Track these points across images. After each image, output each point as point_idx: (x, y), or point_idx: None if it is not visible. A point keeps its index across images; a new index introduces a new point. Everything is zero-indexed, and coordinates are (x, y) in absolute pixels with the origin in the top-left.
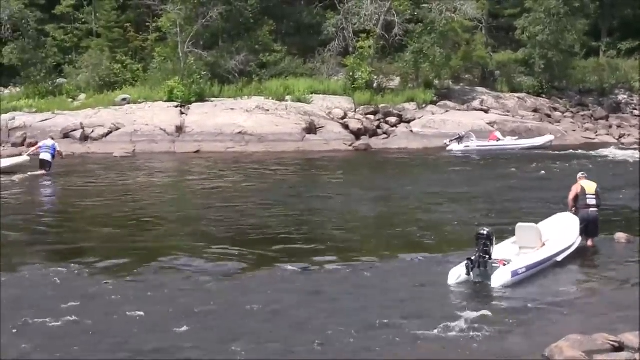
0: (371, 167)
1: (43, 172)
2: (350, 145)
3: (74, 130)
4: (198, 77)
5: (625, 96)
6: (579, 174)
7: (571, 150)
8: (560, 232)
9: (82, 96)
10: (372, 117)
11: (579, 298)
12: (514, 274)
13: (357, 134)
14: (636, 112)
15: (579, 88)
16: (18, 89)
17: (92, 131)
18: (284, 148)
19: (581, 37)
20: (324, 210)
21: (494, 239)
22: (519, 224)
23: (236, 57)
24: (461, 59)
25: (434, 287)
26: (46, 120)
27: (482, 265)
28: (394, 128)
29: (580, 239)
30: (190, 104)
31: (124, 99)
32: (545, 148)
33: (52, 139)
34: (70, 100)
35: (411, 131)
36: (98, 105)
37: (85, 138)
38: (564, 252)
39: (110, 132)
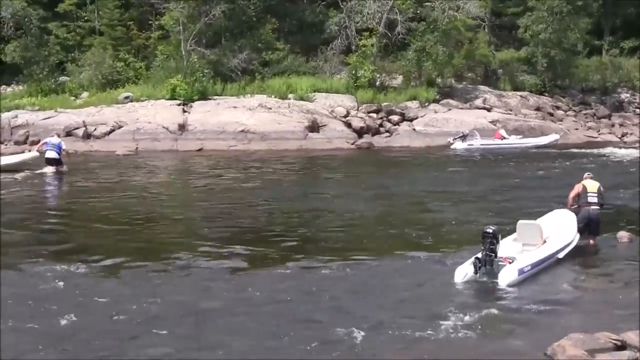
0: (373, 166)
1: (55, 168)
2: (352, 144)
3: (77, 128)
4: (201, 75)
5: (628, 95)
6: (585, 174)
7: (574, 149)
8: (559, 229)
9: (85, 94)
10: (374, 115)
11: (581, 297)
12: (520, 272)
13: (360, 132)
14: (638, 111)
15: (581, 86)
16: (21, 87)
17: (95, 129)
18: (286, 146)
19: (584, 36)
20: (325, 209)
21: (500, 237)
22: (520, 221)
23: (239, 55)
24: (464, 58)
25: (436, 286)
26: (49, 118)
27: (488, 264)
28: (397, 126)
29: (578, 235)
30: (193, 102)
31: (126, 97)
32: (549, 147)
33: (59, 136)
34: (72, 98)
35: (414, 129)
36: (101, 103)
37: (87, 136)
38: (564, 248)
39: (113, 130)
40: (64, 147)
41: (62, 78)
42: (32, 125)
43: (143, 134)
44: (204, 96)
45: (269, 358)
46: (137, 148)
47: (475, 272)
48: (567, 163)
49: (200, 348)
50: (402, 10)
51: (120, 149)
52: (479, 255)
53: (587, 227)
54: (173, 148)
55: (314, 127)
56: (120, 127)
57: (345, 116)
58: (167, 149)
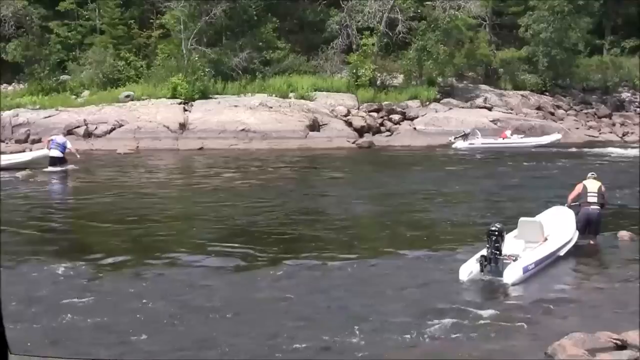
0: (374, 165)
1: (58, 167)
2: (353, 143)
3: (78, 127)
4: (201, 74)
5: (629, 94)
6: (589, 174)
7: (574, 149)
8: (558, 226)
9: (86, 93)
10: (375, 114)
11: (582, 296)
12: (525, 270)
13: (361, 132)
14: (639, 110)
15: (582, 86)
16: (22, 86)
17: (96, 128)
18: (287, 145)
19: (585, 35)
20: (325, 208)
21: (505, 235)
22: (522, 219)
23: (240, 54)
24: (465, 57)
25: (435, 285)
26: (50, 116)
27: (493, 262)
28: (397, 125)
29: (577, 233)
30: (194, 101)
31: (127, 96)
32: (551, 146)
33: (64, 135)
34: (73, 97)
35: (414, 129)
36: (101, 102)
37: (88, 135)
38: (565, 246)
39: (114, 129)
40: (69, 146)
41: (63, 77)
42: (33, 124)
43: (144, 133)
44: (204, 95)
45: (267, 358)
46: (137, 147)
47: (481, 270)
48: (568, 163)
49: (198, 348)
50: (403, 9)
51: (121, 147)
52: (484, 252)
53: (587, 226)
54: (174, 147)
55: (314, 126)
56: (121, 125)
57: (346, 115)
58: (168, 147)
